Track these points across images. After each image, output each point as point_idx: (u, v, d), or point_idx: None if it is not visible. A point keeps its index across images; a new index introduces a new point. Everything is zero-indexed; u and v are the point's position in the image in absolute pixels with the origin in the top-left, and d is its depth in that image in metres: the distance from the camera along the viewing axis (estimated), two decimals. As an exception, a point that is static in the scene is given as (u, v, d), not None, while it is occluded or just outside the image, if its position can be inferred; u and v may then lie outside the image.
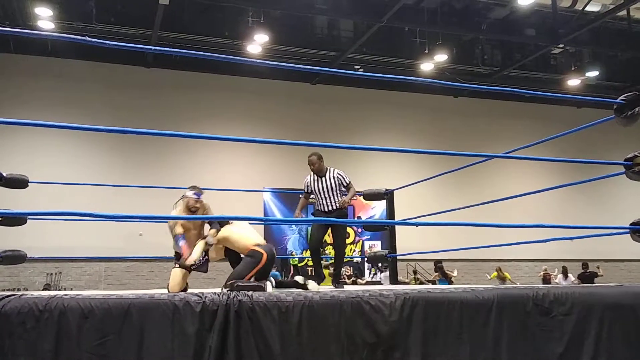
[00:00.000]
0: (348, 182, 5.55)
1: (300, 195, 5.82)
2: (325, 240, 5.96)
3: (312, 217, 6.38)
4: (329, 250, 15.15)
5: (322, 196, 5.53)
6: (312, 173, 5.60)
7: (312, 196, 5.68)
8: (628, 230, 4.35)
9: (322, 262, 5.81)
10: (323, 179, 5.52)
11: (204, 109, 15.61)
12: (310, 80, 16.90)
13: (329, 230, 5.58)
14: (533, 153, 7.20)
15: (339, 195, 5.51)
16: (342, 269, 6.31)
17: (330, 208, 5.51)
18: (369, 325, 3.27)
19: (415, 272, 14.58)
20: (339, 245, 5.66)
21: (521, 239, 6.25)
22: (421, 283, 13.63)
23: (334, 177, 5.52)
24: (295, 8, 13.40)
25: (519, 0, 13.51)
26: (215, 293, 3.12)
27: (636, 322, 3.88)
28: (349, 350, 3.19)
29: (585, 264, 14.49)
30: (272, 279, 4.46)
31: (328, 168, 5.60)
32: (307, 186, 5.63)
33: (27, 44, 14.27)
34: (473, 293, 3.62)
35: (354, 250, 15.94)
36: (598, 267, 14.51)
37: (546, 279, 14.68)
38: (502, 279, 13.96)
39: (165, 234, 4.79)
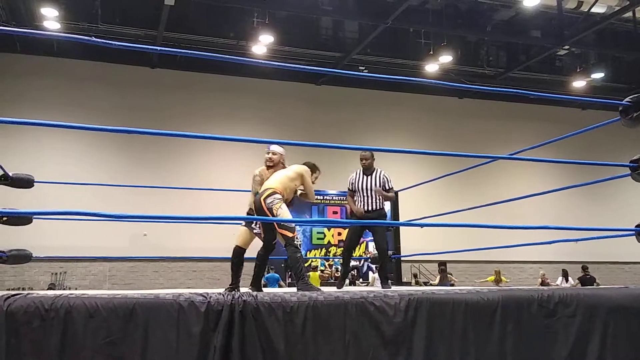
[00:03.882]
0: (390, 187, 5.44)
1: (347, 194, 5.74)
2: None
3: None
4: (334, 251, 15.17)
5: (364, 194, 5.43)
6: (358, 170, 5.52)
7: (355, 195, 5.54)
8: (633, 232, 4.34)
9: (350, 263, 5.69)
10: (369, 177, 5.42)
11: (209, 109, 15.63)
12: (315, 81, 16.91)
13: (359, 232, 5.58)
14: (538, 154, 7.17)
15: (379, 196, 5.39)
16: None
17: (369, 208, 5.40)
18: (373, 326, 3.27)
19: (415, 275, 14.45)
20: (380, 244, 5.48)
21: (526, 241, 6.23)
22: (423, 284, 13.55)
23: (379, 177, 5.40)
24: (301, 9, 13.41)
25: (525, 2, 13.45)
26: (220, 293, 3.13)
27: (641, 325, 3.86)
28: (354, 351, 3.19)
29: (585, 266, 14.26)
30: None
31: (376, 168, 5.50)
32: (352, 184, 5.53)
33: (33, 44, 14.33)
34: (478, 294, 3.61)
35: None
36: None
37: (544, 284, 14.55)
38: (497, 281, 13.86)
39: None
